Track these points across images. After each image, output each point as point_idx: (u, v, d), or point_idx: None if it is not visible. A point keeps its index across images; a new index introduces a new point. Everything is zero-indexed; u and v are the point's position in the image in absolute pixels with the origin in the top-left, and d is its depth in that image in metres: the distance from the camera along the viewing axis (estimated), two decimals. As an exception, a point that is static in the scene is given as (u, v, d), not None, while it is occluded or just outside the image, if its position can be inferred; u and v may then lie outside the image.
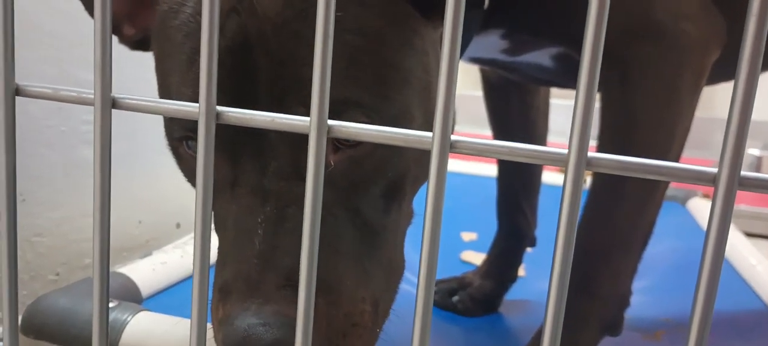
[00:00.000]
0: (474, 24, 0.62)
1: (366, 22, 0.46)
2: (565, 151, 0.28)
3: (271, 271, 0.44)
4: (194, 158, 0.50)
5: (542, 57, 0.70)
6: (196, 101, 0.46)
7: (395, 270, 0.52)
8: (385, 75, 0.47)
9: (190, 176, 0.53)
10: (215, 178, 0.48)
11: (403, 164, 0.49)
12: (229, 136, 0.46)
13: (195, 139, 0.47)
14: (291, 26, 0.45)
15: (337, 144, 0.47)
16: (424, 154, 0.52)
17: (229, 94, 0.44)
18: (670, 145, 0.62)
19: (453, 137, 0.30)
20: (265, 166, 0.46)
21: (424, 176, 0.53)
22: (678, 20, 0.60)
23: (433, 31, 0.52)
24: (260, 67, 0.45)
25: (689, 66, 0.61)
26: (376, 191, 0.49)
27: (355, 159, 0.47)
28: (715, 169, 0.27)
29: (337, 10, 0.45)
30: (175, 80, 0.48)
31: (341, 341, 0.46)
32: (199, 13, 0.46)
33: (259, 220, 0.45)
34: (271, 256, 0.44)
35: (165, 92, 0.51)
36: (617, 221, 0.64)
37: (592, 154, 0.28)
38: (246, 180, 0.46)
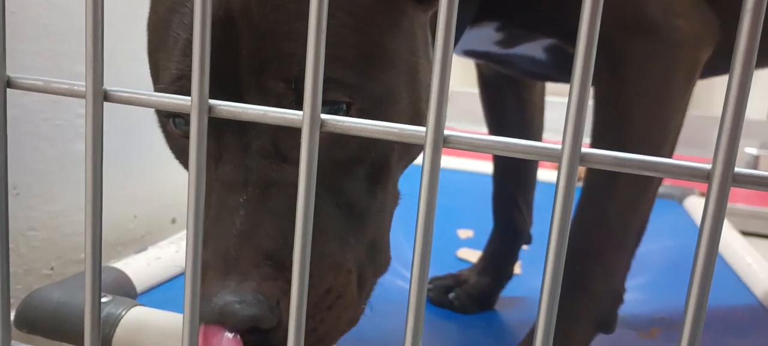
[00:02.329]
0: (467, 15, 0.61)
1: (353, 1, 0.46)
2: (559, 146, 0.28)
3: (249, 249, 0.44)
4: (181, 136, 0.50)
5: (535, 49, 0.70)
6: (180, 77, 0.47)
7: (380, 251, 0.52)
8: (369, 55, 0.47)
9: (178, 153, 0.53)
10: None
11: (387, 143, 0.49)
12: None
13: (182, 116, 0.48)
14: (278, 6, 0.44)
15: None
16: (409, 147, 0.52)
17: (213, 70, 0.44)
18: (663, 141, 0.62)
19: (446, 132, 0.29)
20: (247, 144, 0.46)
21: (410, 157, 0.53)
22: (670, 16, 0.61)
23: (422, 14, 0.52)
24: (242, 40, 0.45)
25: (681, 62, 0.62)
26: (360, 170, 0.49)
27: (338, 137, 0.47)
28: (709, 166, 0.27)
29: (348, 14, 0.44)
30: (161, 56, 0.49)
31: (326, 314, 0.46)
32: None
33: (241, 200, 0.45)
34: (251, 235, 0.44)
35: (153, 69, 0.52)
36: (610, 217, 0.64)
37: (585, 149, 0.28)
38: (229, 157, 0.46)
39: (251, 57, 0.45)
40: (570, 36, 0.60)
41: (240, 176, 0.46)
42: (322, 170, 0.47)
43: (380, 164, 0.49)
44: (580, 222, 0.65)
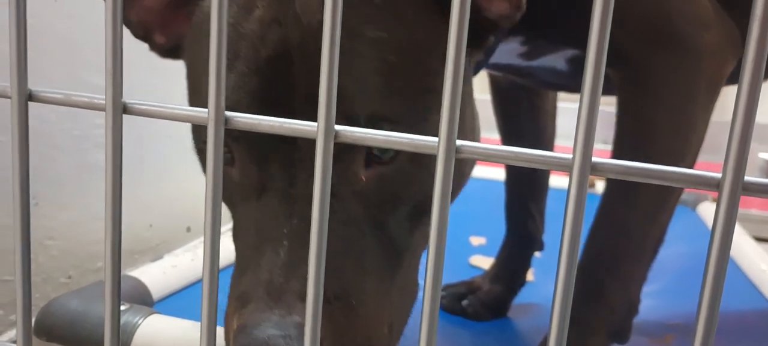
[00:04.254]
0: (503, 33, 0.62)
1: (408, 44, 0.47)
2: (570, 156, 0.28)
3: (295, 282, 0.42)
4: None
5: (557, 60, 0.70)
6: (229, 107, 0.47)
7: (410, 293, 0.51)
8: (420, 96, 0.47)
9: None
10: (243, 184, 0.47)
11: (432, 185, 0.49)
12: (259, 144, 0.45)
13: (239, 147, 0.47)
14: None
15: (369, 159, 0.46)
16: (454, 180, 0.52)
17: (267, 104, 0.44)
18: (684, 153, 0.62)
19: (458, 142, 0.30)
20: (294, 176, 0.45)
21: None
22: (696, 28, 0.60)
23: (468, 55, 0.52)
24: (299, 77, 0.44)
25: (706, 74, 0.62)
26: (404, 211, 0.48)
27: (386, 176, 0.46)
28: (719, 175, 0.27)
29: (381, 29, 0.45)
30: (206, 86, 0.49)
31: None
32: (236, 24, 0.47)
33: (285, 231, 0.44)
34: (296, 267, 0.42)
35: (196, 98, 0.52)
36: (629, 228, 0.64)
37: (596, 159, 0.28)
38: (274, 190, 0.45)
39: (307, 93, 0.44)
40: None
41: (284, 208, 0.45)
42: (368, 207, 0.46)
43: (422, 205, 0.49)
44: (598, 232, 0.65)
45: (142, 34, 0.58)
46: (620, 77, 0.63)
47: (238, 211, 0.49)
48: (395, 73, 0.46)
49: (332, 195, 0.45)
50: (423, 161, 0.47)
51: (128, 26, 0.57)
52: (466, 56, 0.52)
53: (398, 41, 0.46)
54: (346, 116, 0.44)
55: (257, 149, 0.46)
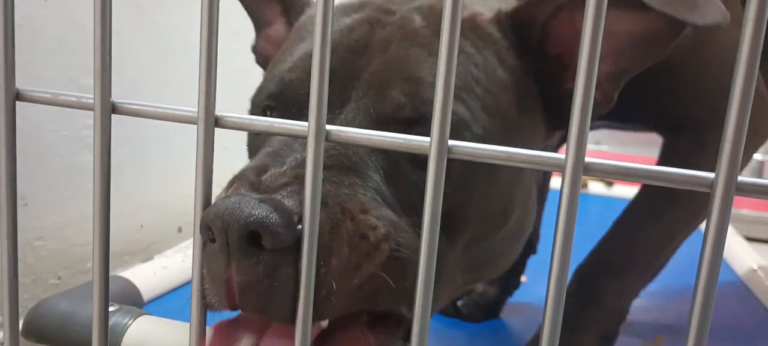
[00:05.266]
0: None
1: (501, 93, 0.50)
2: (563, 156, 0.28)
3: (294, 185, 0.39)
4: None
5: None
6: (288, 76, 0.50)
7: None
8: (503, 138, 0.50)
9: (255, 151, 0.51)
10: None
11: (480, 215, 0.51)
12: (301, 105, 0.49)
13: (276, 108, 0.51)
14: (423, 45, 0.49)
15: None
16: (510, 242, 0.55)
17: (332, 75, 0.44)
18: None
19: (451, 142, 0.30)
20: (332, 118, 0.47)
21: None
22: (756, 102, 0.63)
23: (545, 136, 0.56)
24: (368, 64, 0.49)
25: (758, 143, 0.68)
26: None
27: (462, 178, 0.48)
28: (712, 175, 0.27)
29: (490, 75, 0.50)
30: (281, 60, 0.53)
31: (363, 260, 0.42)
32: (334, 19, 0.49)
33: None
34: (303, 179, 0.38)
35: (269, 69, 0.56)
36: (648, 243, 0.66)
37: (589, 159, 0.28)
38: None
39: (374, 75, 0.48)
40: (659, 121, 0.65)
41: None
42: (415, 194, 0.46)
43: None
44: (616, 238, 0.66)
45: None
46: (674, 139, 0.68)
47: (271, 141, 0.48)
48: (493, 112, 0.50)
49: (411, 159, 0.47)
50: (470, 185, 0.49)
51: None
52: (547, 133, 0.55)
53: (504, 87, 0.51)
54: (408, 93, 0.47)
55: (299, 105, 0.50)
